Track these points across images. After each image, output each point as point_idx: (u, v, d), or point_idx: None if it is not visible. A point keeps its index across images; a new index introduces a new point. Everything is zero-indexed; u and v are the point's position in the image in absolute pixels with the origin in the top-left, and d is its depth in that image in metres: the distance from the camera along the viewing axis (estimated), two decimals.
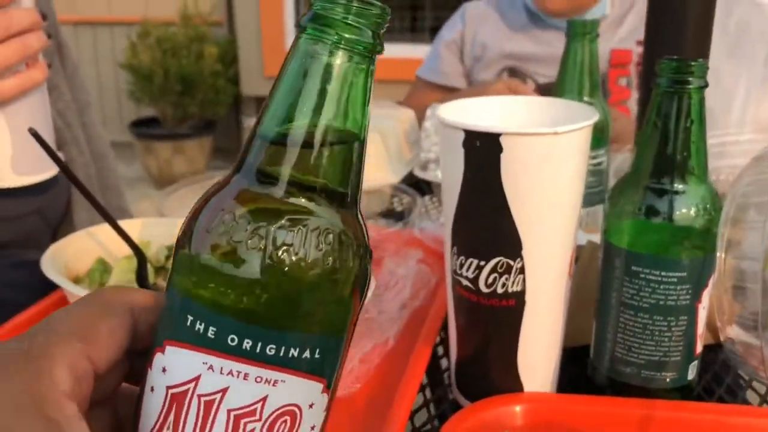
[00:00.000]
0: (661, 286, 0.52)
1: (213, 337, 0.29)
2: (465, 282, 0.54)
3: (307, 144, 0.29)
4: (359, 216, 0.32)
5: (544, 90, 1.40)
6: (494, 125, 0.49)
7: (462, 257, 0.53)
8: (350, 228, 0.30)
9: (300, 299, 0.29)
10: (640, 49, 1.36)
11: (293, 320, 0.29)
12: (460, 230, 0.53)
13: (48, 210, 0.90)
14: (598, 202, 0.84)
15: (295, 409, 0.30)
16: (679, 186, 0.52)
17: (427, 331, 0.64)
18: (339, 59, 0.29)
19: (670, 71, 0.51)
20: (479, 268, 0.53)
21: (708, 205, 0.52)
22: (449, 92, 1.49)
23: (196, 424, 0.29)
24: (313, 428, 0.31)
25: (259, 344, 0.28)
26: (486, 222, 0.51)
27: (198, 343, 0.29)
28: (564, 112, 0.56)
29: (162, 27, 3.77)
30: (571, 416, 0.54)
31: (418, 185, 1.04)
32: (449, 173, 0.53)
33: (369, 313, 0.65)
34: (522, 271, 0.52)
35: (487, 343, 0.55)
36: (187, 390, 0.29)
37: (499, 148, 0.49)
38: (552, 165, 0.50)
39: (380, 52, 0.30)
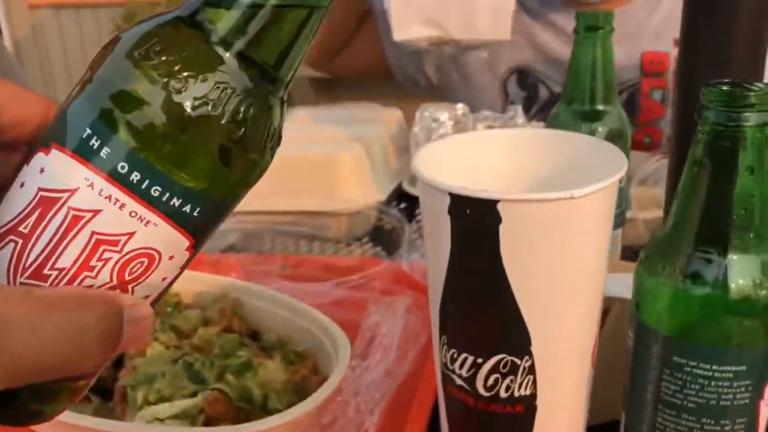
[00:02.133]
0: (713, 383, 0.40)
1: (105, 157, 0.28)
2: (458, 381, 0.42)
3: None
4: (283, 100, 0.31)
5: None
6: (489, 189, 0.37)
7: (453, 350, 0.41)
8: (263, 100, 0.30)
9: (196, 149, 0.28)
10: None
11: (185, 169, 0.28)
12: (449, 318, 0.41)
13: None
14: (617, 227, 0.72)
15: (156, 254, 0.29)
16: (734, 254, 0.39)
17: (415, 414, 0.52)
18: None
19: (720, 102, 0.38)
20: (476, 366, 0.40)
21: None
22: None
23: (56, 232, 0.28)
24: (164, 280, 0.31)
25: (147, 181, 0.28)
26: (482, 311, 0.39)
27: (88, 157, 0.28)
28: (582, 152, 0.44)
29: (147, 8, 3.61)
30: None
31: (409, 200, 0.91)
32: (433, 243, 0.40)
33: (343, 395, 0.53)
34: (532, 370, 0.40)
35: None
36: (60, 198, 0.28)
37: (498, 219, 0.37)
38: (568, 238, 0.37)
39: None
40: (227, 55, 0.29)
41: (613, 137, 0.69)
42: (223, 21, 0.29)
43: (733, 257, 0.39)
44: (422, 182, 0.39)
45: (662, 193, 0.79)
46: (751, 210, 0.39)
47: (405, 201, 0.91)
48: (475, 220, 0.37)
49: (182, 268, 0.31)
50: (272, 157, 0.31)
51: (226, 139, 0.29)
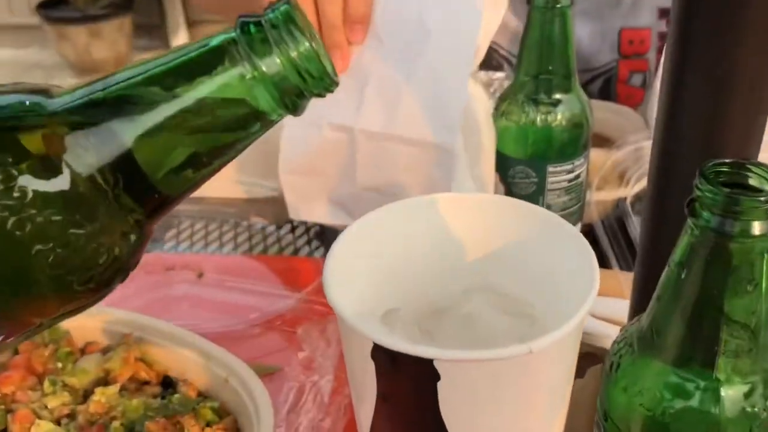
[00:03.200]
0: None
1: None
2: None
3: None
4: (149, 228, 0.26)
5: None
6: (423, 346, 0.28)
7: None
8: (114, 233, 0.24)
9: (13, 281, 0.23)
10: (663, 26, 0.87)
11: None
12: None
13: None
14: (574, 224, 0.64)
15: None
16: (724, 383, 0.32)
17: None
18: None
19: (721, 207, 0.29)
20: None
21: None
22: None
23: None
24: None
25: None
26: None
27: None
28: (533, 228, 0.35)
29: None
30: None
31: None
32: (356, 380, 0.32)
33: None
34: None
35: None
36: None
37: (435, 376, 0.28)
38: (523, 392, 0.29)
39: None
40: (72, 174, 0.23)
41: (573, 127, 0.60)
42: (85, 137, 0.23)
43: (723, 387, 0.32)
44: (334, 308, 0.30)
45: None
46: (749, 331, 0.31)
47: None
48: (408, 375, 0.29)
49: None
50: (116, 285, 0.26)
51: (51, 274, 0.23)
